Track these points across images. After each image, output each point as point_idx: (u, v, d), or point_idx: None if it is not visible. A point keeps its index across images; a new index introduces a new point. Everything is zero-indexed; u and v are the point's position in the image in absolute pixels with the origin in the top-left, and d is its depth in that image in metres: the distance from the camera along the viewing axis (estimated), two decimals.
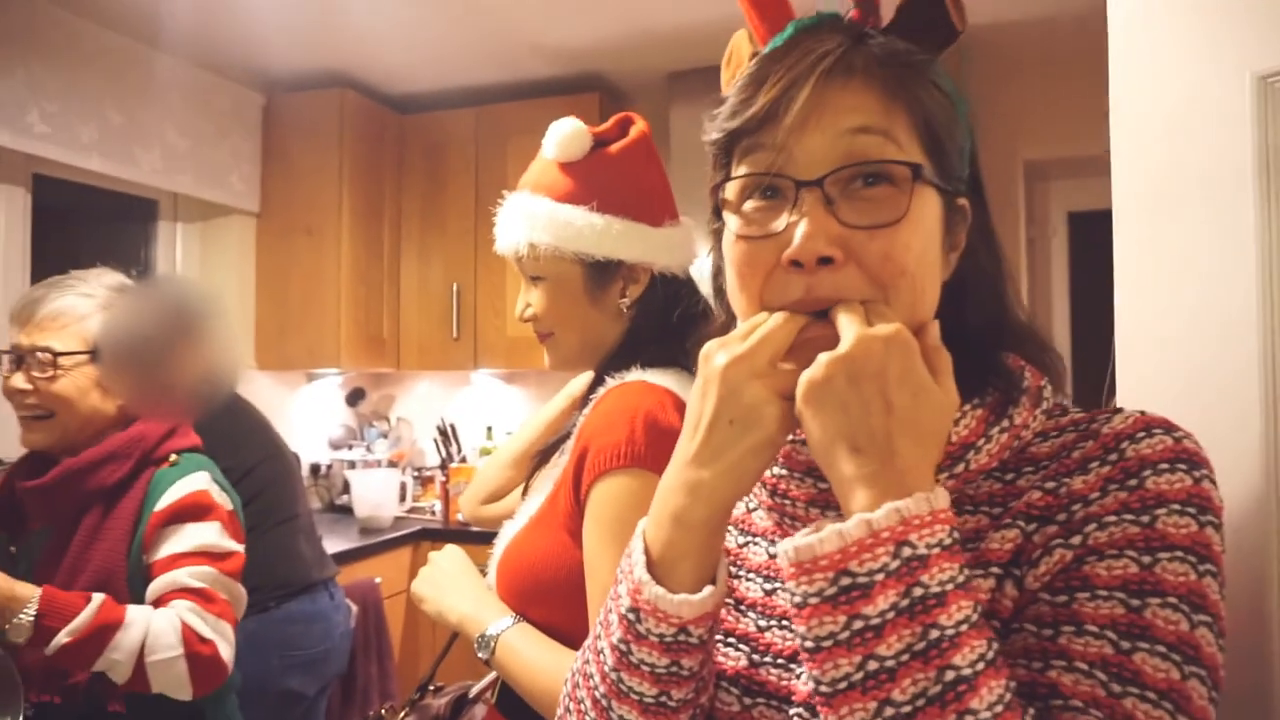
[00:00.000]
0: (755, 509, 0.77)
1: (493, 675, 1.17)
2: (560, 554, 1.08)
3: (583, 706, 0.67)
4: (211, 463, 1.55)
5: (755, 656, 0.70)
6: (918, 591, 0.51)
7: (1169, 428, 0.61)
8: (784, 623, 0.70)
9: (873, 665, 0.51)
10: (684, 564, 0.61)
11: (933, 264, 0.63)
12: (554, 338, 1.20)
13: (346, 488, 3.50)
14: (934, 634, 0.50)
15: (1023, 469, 0.64)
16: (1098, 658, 0.54)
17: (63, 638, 1.26)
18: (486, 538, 1.26)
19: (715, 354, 0.61)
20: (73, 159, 2.70)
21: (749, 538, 0.76)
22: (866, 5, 0.66)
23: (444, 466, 3.60)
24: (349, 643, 2.38)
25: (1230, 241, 0.95)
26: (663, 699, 0.63)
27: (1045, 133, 3.11)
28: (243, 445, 2.13)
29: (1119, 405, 0.67)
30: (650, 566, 0.62)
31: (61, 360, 1.43)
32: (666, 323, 1.16)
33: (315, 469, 3.69)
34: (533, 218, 1.15)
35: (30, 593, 1.27)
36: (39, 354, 1.42)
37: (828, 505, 0.66)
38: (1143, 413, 0.62)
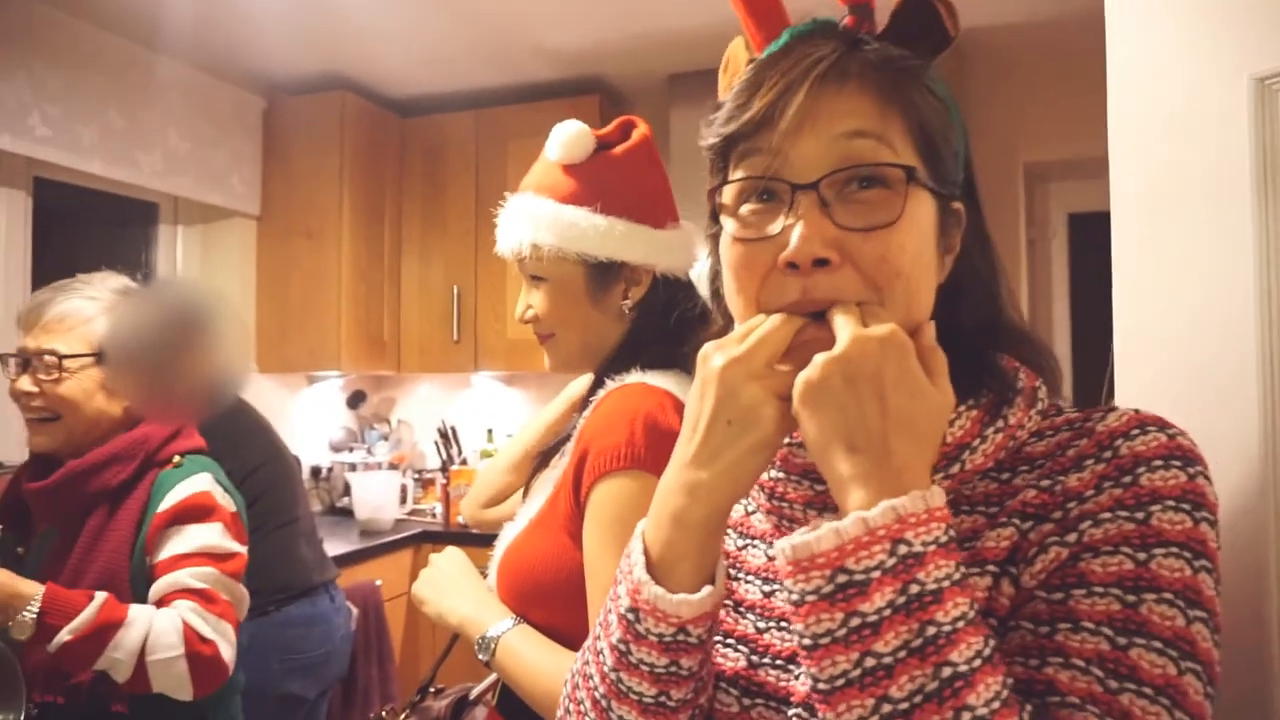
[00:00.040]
0: (754, 512, 0.77)
1: (493, 677, 1.18)
2: (560, 556, 1.08)
3: (582, 707, 0.67)
4: (215, 464, 1.56)
5: (754, 657, 0.70)
6: (914, 589, 0.51)
7: (1163, 425, 0.61)
8: (783, 624, 0.70)
9: (870, 662, 0.51)
10: (683, 564, 0.62)
11: (927, 266, 0.63)
12: (555, 339, 1.20)
13: (347, 490, 3.50)
14: (931, 631, 0.51)
15: (1018, 468, 0.65)
16: (1094, 654, 0.55)
17: (64, 635, 1.27)
18: (487, 540, 1.26)
19: (713, 355, 0.61)
20: (73, 162, 2.71)
21: (748, 540, 0.76)
22: (861, 12, 0.67)
23: (444, 469, 3.60)
24: (349, 646, 2.38)
25: (1229, 243, 0.96)
26: (662, 699, 0.63)
27: (1045, 134, 3.12)
28: (243, 448, 2.13)
29: (1115, 405, 0.67)
30: (649, 567, 0.63)
31: (67, 363, 1.44)
32: (667, 325, 1.16)
33: (316, 471, 3.70)
34: (536, 219, 1.15)
35: (34, 590, 1.28)
36: (45, 357, 1.44)
37: (825, 507, 0.66)
38: (1137, 411, 0.63)
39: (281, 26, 2.85)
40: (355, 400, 3.95)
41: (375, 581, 2.81)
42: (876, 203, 0.61)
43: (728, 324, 0.69)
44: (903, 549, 0.52)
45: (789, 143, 0.61)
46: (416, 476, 3.77)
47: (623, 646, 0.63)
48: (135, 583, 1.41)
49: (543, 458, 1.25)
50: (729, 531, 0.78)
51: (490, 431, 3.72)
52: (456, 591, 1.17)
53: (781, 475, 0.69)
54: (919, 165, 0.62)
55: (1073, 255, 3.42)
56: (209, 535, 1.44)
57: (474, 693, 1.27)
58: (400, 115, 3.63)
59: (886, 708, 0.51)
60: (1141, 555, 0.56)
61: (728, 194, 0.66)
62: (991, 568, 0.61)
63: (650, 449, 1.02)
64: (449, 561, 1.23)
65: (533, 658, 1.04)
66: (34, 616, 1.26)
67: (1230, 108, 0.96)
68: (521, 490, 1.32)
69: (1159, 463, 0.59)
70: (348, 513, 3.46)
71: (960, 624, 0.51)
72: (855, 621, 0.52)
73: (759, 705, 0.68)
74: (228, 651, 1.38)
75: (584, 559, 1.03)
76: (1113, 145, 1.06)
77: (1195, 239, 0.98)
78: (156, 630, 1.32)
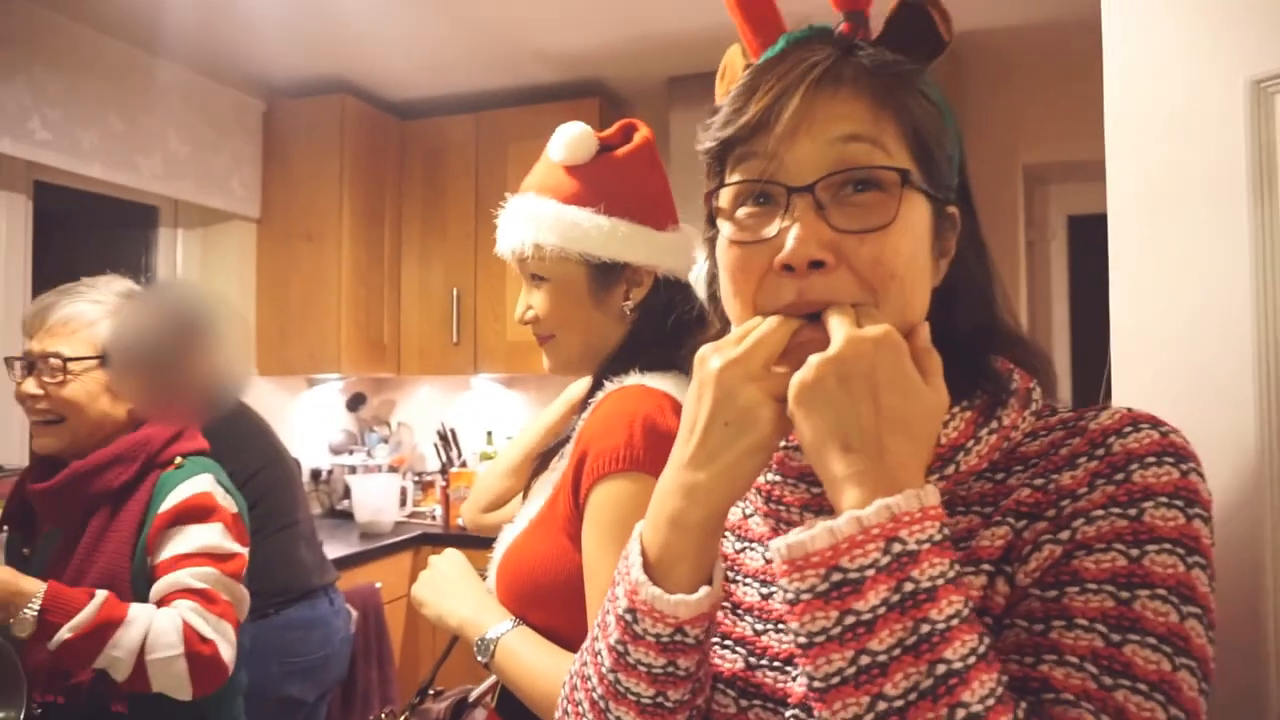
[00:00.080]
0: (752, 515, 0.78)
1: (492, 679, 1.18)
2: (560, 558, 1.08)
3: (580, 708, 0.68)
4: (217, 466, 1.57)
5: (752, 659, 0.70)
6: (908, 586, 0.52)
7: (1155, 422, 0.61)
8: (780, 626, 0.70)
9: (865, 660, 0.52)
10: (681, 565, 0.62)
11: (922, 268, 0.64)
12: (555, 340, 1.20)
13: (347, 493, 3.51)
14: (925, 628, 0.51)
15: (1013, 468, 0.65)
16: (1088, 651, 0.55)
17: (65, 633, 1.28)
18: (486, 542, 1.26)
19: (710, 358, 0.62)
20: (74, 165, 2.71)
21: (746, 543, 0.77)
22: (856, 18, 0.68)
23: (444, 471, 3.60)
24: (349, 648, 2.38)
25: (1225, 244, 0.96)
26: (659, 699, 0.63)
27: (1044, 136, 3.12)
28: (243, 451, 2.13)
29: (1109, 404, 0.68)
30: (647, 568, 0.63)
31: (71, 365, 1.46)
32: (665, 327, 1.16)
33: (316, 474, 3.70)
34: (539, 219, 1.15)
35: (35, 588, 1.30)
36: (49, 360, 1.45)
37: (821, 510, 0.67)
38: (1129, 409, 0.63)
39: (281, 30, 2.86)
40: (355, 403, 3.95)
41: (375, 584, 2.81)
42: (871, 205, 0.61)
43: (725, 327, 0.70)
44: (897, 547, 0.52)
45: (784, 146, 0.62)
46: (416, 479, 3.77)
47: (620, 647, 0.63)
48: (136, 583, 1.42)
49: (542, 459, 1.25)
50: (727, 534, 0.78)
51: (490, 434, 3.73)
52: (456, 593, 1.18)
53: (778, 478, 0.69)
54: (913, 169, 0.63)
55: (1072, 257, 3.43)
56: (210, 536, 1.44)
57: (473, 695, 1.27)
58: (400, 118, 3.64)
59: (882, 705, 0.51)
60: (1134, 552, 0.56)
61: (724, 197, 0.66)
62: (986, 566, 0.62)
63: (649, 451, 1.02)
64: (448, 563, 1.24)
65: (532, 659, 1.04)
66: (35, 614, 1.27)
67: (1226, 110, 0.96)
68: (521, 494, 1.33)
69: (1151, 459, 0.59)
70: (347, 515, 3.46)
71: (955, 622, 0.52)
72: (850, 620, 0.52)
73: (756, 706, 0.68)
74: (227, 651, 1.39)
75: (583, 561, 1.03)
76: (1110, 147, 1.07)
77: (1195, 239, 0.98)
78: (156, 629, 1.32)
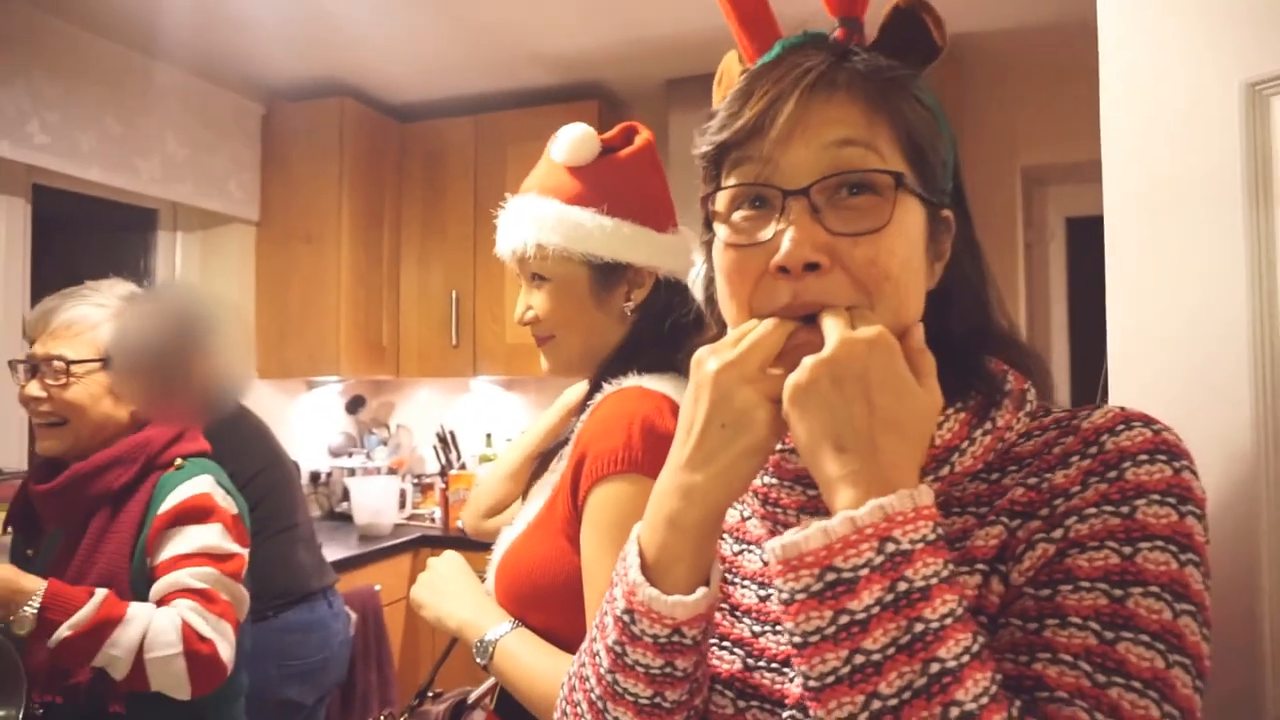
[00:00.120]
0: (750, 517, 0.78)
1: (491, 681, 1.18)
2: (558, 559, 1.08)
3: (579, 709, 0.68)
4: (218, 467, 1.58)
5: (750, 660, 0.71)
6: (902, 586, 0.52)
7: (1148, 421, 0.62)
8: (778, 628, 0.71)
9: (859, 659, 0.52)
10: (678, 566, 0.62)
11: (917, 270, 0.64)
12: (555, 341, 1.20)
13: (346, 495, 3.51)
14: (919, 627, 0.52)
15: (1008, 469, 0.65)
16: (1082, 649, 0.55)
17: (64, 631, 1.28)
18: (485, 544, 1.26)
19: (707, 360, 0.62)
20: (72, 169, 2.72)
21: (744, 545, 0.77)
22: (851, 24, 0.68)
23: (444, 473, 3.60)
24: (348, 651, 2.38)
25: (1225, 245, 0.96)
26: (657, 700, 0.64)
27: (1043, 138, 3.13)
28: (243, 454, 2.13)
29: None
30: (645, 569, 0.64)
31: (74, 368, 1.47)
32: (664, 329, 1.17)
33: (315, 476, 3.70)
34: (541, 219, 1.15)
35: (35, 585, 1.30)
36: (53, 362, 1.46)
37: (817, 511, 0.67)
38: (1122, 408, 0.63)
39: (280, 33, 2.86)
40: (354, 405, 3.96)
41: (374, 586, 2.81)
42: (866, 208, 0.62)
43: (722, 330, 0.70)
44: (890, 547, 0.53)
45: (779, 150, 0.63)
46: (415, 481, 3.77)
47: (618, 648, 0.64)
48: (136, 584, 1.43)
49: (541, 461, 1.26)
50: (725, 537, 0.79)
51: (489, 436, 3.73)
52: (455, 595, 1.18)
53: (774, 481, 0.70)
54: (907, 172, 0.63)
55: (1070, 259, 3.43)
56: (209, 536, 1.45)
57: (472, 696, 1.27)
58: (399, 121, 3.64)
59: (876, 704, 0.51)
60: (1127, 549, 0.57)
61: (720, 201, 0.67)
62: (981, 566, 0.62)
63: (647, 452, 1.02)
64: (447, 565, 1.24)
65: (531, 661, 1.05)
66: (35, 611, 1.28)
67: (1221, 113, 0.97)
68: (521, 498, 1.33)
69: (1144, 457, 0.59)
70: (347, 518, 3.46)
71: (948, 620, 0.52)
72: (844, 619, 0.52)
73: (754, 707, 0.69)
74: (226, 651, 1.39)
75: (582, 562, 1.04)
76: (1107, 149, 1.07)
77: (1195, 240, 0.99)
78: (155, 628, 1.33)
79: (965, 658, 0.52)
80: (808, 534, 0.54)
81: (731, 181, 0.66)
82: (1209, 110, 0.98)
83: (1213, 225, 0.97)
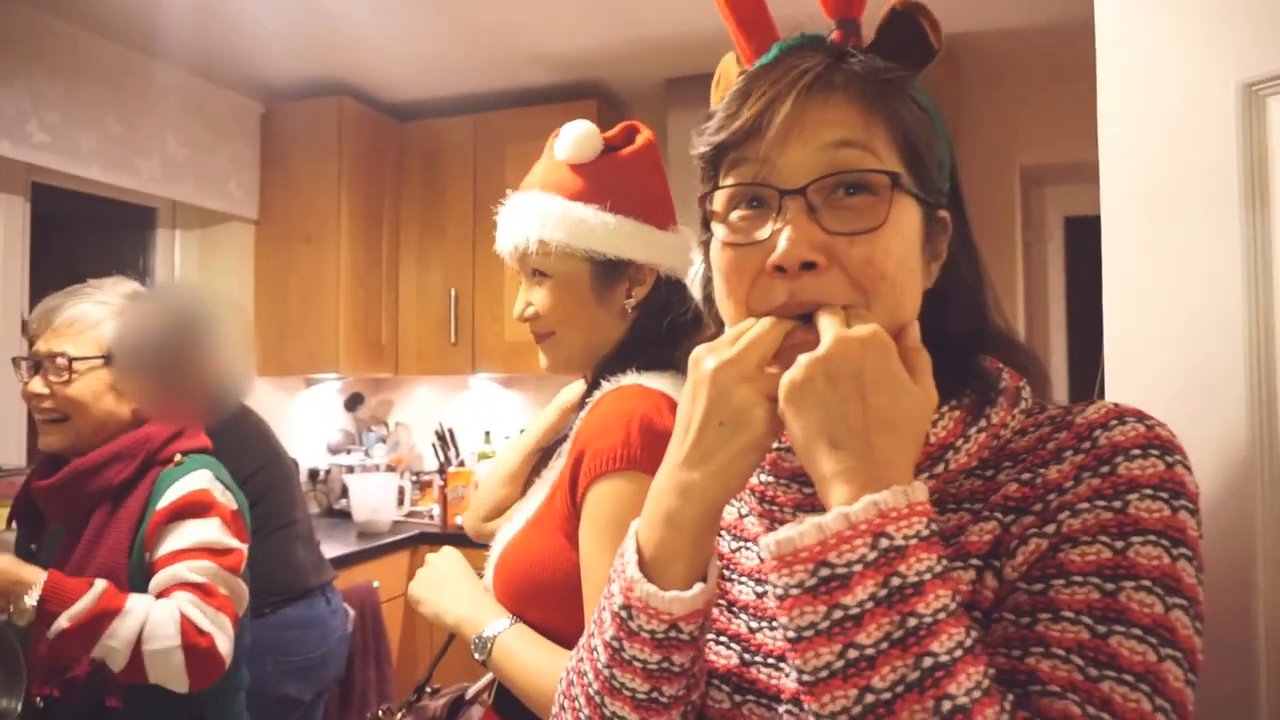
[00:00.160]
0: (747, 515, 0.78)
1: (489, 677, 1.18)
2: (557, 556, 1.08)
3: (577, 703, 0.68)
4: (217, 463, 1.58)
5: (746, 656, 0.71)
6: (895, 581, 0.53)
7: (1141, 416, 0.62)
8: (775, 624, 0.71)
9: (853, 654, 0.52)
10: (675, 563, 0.63)
11: (913, 270, 0.65)
12: (555, 337, 1.20)
13: (345, 492, 3.51)
14: (912, 622, 0.52)
15: (1003, 465, 0.66)
16: (1074, 643, 0.56)
17: (63, 621, 1.29)
18: (485, 544, 1.26)
19: (704, 358, 0.63)
20: (72, 168, 2.72)
21: (741, 543, 0.78)
22: (848, 26, 0.69)
23: (442, 471, 3.61)
24: (346, 647, 2.39)
25: (1224, 245, 0.96)
26: (654, 695, 0.64)
27: (1041, 138, 3.13)
28: (242, 452, 2.13)
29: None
30: (642, 565, 0.64)
31: (76, 365, 1.48)
32: (662, 327, 1.17)
33: (314, 474, 3.70)
34: (544, 215, 1.15)
35: (35, 576, 1.31)
36: (55, 359, 1.48)
37: (814, 509, 0.67)
38: (1116, 403, 0.64)
39: (279, 33, 2.87)
40: (353, 403, 3.96)
41: (373, 583, 2.82)
42: (862, 208, 0.62)
43: (720, 329, 0.71)
44: (884, 543, 0.53)
45: (776, 151, 0.63)
46: (414, 478, 3.78)
47: (616, 643, 0.64)
48: (134, 579, 1.43)
49: (541, 457, 1.26)
50: (723, 533, 0.79)
51: (488, 433, 3.73)
52: (453, 591, 1.18)
53: (771, 479, 0.70)
54: (904, 173, 0.64)
55: (1069, 258, 3.44)
56: (207, 531, 1.46)
57: (470, 692, 1.27)
58: (398, 120, 3.64)
59: (869, 698, 0.52)
60: (1119, 544, 0.57)
61: (718, 200, 0.67)
62: (975, 561, 0.62)
63: (646, 450, 1.02)
64: (445, 561, 1.24)
65: (529, 657, 1.05)
66: (35, 602, 1.29)
67: (1219, 113, 0.97)
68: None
69: (1137, 452, 0.60)
70: (345, 515, 3.47)
71: (941, 615, 0.53)
72: (838, 614, 0.53)
73: (750, 702, 0.69)
74: (224, 644, 1.40)
75: (580, 559, 1.04)
76: (1104, 149, 1.07)
77: (1195, 240, 0.98)
78: (153, 620, 1.34)
79: (958, 652, 0.52)
80: (802, 530, 0.55)
81: (729, 181, 0.66)
82: (1206, 110, 0.98)
83: (1212, 226, 0.97)
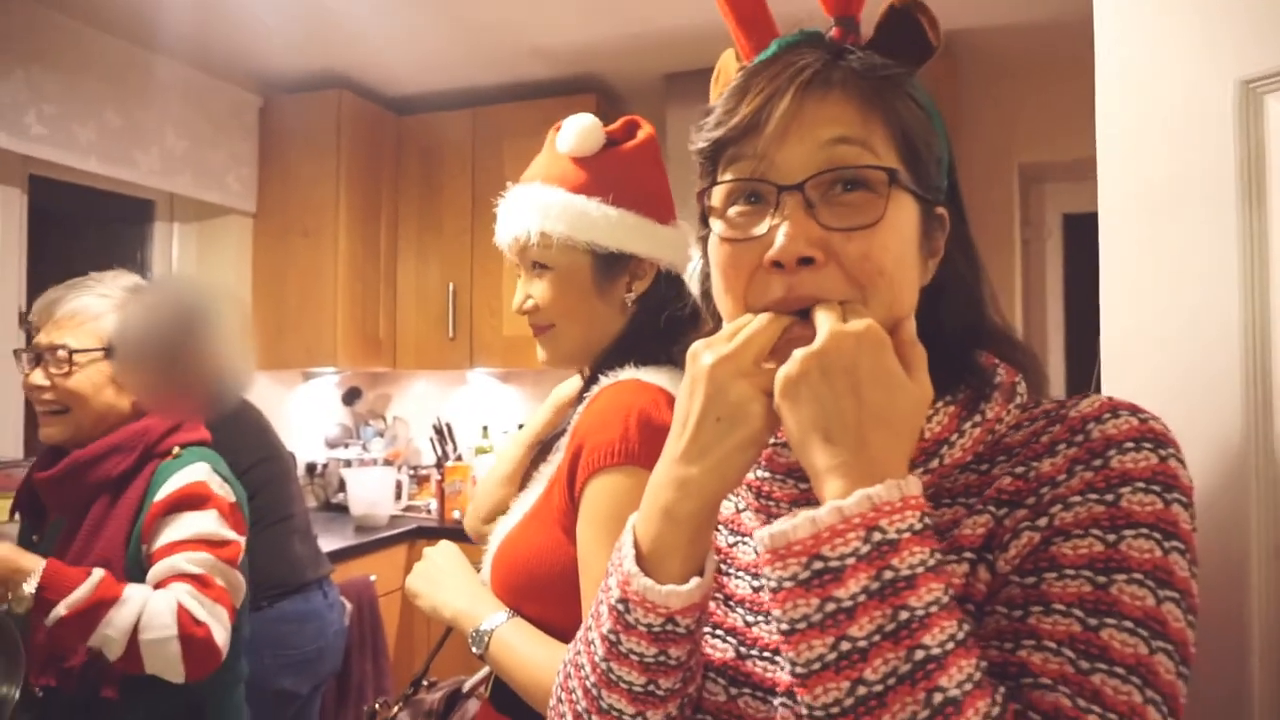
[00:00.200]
0: (744, 510, 0.79)
1: (486, 670, 1.18)
2: (554, 550, 1.09)
3: (574, 696, 0.69)
4: (215, 456, 1.59)
5: (742, 649, 0.72)
6: (888, 574, 0.53)
7: (1135, 409, 0.62)
8: (770, 618, 0.71)
9: (845, 646, 0.53)
10: (672, 557, 0.63)
11: (910, 266, 0.65)
12: (554, 330, 1.20)
13: (342, 486, 3.51)
14: (904, 615, 0.52)
15: (997, 460, 0.66)
16: (1065, 636, 0.56)
17: (60, 609, 1.30)
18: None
19: (702, 354, 0.63)
20: (70, 160, 2.72)
21: (738, 537, 0.78)
22: (846, 23, 0.69)
23: (440, 465, 3.61)
24: (343, 641, 2.39)
25: (1224, 244, 0.96)
26: (651, 688, 0.64)
27: (1040, 135, 3.13)
28: (240, 446, 2.13)
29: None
30: (640, 559, 0.64)
31: (77, 357, 1.49)
32: (660, 322, 1.17)
33: (311, 468, 3.70)
34: (546, 207, 1.15)
35: (34, 564, 1.32)
36: (57, 351, 1.49)
37: (809, 505, 0.67)
38: (1110, 397, 0.64)
39: (278, 26, 2.86)
40: (351, 397, 3.96)
41: (370, 577, 2.82)
42: (859, 204, 0.63)
43: (718, 324, 0.71)
44: (877, 536, 0.53)
45: (774, 148, 0.63)
46: (411, 473, 3.78)
47: (613, 636, 0.64)
48: (131, 572, 1.44)
49: (540, 451, 1.26)
50: (721, 528, 0.80)
51: (485, 428, 3.73)
52: (450, 585, 1.18)
53: (767, 475, 0.71)
54: (901, 169, 0.64)
55: (1067, 256, 3.44)
56: (204, 522, 1.46)
57: (467, 685, 1.28)
58: (397, 114, 3.64)
59: (861, 690, 0.52)
60: (1111, 537, 0.57)
61: (716, 196, 0.68)
62: (969, 554, 0.63)
63: (644, 445, 1.03)
64: (443, 555, 1.24)
65: (526, 651, 1.05)
66: (33, 590, 1.30)
67: (1216, 110, 0.97)
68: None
69: (1130, 445, 0.60)
70: (343, 509, 3.47)
71: (934, 609, 0.53)
72: (830, 607, 0.53)
73: (746, 695, 0.70)
74: (221, 635, 1.40)
75: (578, 554, 1.04)
76: (1102, 147, 1.07)
77: (1195, 239, 0.98)
78: (150, 610, 1.34)
79: (950, 645, 0.52)
80: (796, 523, 0.55)
81: (727, 177, 0.67)
82: (1205, 108, 0.98)
83: (1211, 226, 0.97)
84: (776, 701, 0.68)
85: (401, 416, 4.01)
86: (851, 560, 0.53)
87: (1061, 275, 3.43)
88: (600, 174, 1.16)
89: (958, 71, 3.13)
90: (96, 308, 1.53)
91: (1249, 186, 0.95)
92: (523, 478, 1.28)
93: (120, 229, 3.23)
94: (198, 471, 1.51)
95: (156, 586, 1.40)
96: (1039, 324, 3.39)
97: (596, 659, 0.66)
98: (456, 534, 3.26)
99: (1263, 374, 0.93)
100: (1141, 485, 0.58)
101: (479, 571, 1.20)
